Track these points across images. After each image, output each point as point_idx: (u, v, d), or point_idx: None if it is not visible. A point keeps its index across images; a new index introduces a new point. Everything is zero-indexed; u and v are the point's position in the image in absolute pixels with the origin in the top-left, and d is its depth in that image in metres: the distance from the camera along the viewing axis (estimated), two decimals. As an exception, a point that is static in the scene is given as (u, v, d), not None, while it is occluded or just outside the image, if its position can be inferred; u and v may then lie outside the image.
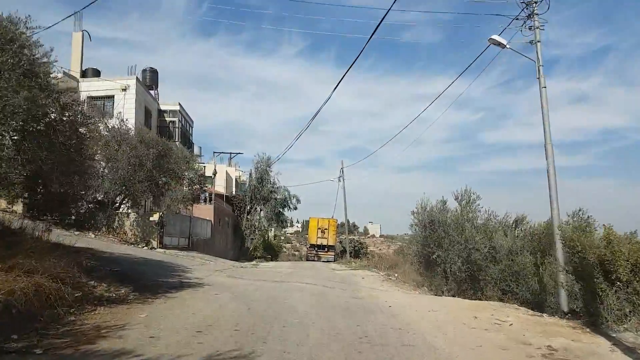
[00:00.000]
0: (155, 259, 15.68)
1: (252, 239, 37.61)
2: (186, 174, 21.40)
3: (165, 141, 21.82)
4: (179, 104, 31.60)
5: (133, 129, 21.69)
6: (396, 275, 19.55)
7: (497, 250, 14.18)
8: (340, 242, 50.90)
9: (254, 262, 32.61)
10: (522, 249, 13.38)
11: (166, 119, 31.29)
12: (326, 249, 43.15)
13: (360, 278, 18.29)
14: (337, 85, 20.75)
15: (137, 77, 27.37)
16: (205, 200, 30.15)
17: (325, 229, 43.68)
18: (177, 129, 31.15)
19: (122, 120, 21.02)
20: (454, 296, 14.32)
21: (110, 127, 19.74)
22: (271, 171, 38.23)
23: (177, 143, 30.92)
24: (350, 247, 44.64)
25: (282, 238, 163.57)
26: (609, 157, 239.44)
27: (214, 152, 58.06)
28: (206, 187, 44.28)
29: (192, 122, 35.56)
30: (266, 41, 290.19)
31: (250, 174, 38.99)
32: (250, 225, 37.48)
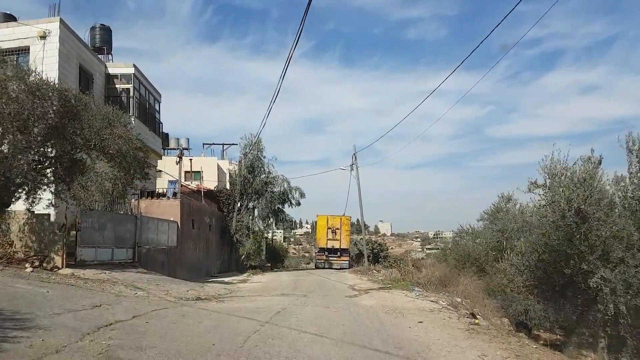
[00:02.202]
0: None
1: (243, 244, 29.36)
2: (113, 143, 13.06)
3: (80, 95, 13.67)
4: (134, 67, 23.40)
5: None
6: (477, 313, 10.32)
7: None
8: (355, 243, 42.50)
9: (243, 277, 24.35)
10: None
11: (117, 86, 23.15)
12: (338, 254, 34.86)
13: (417, 325, 9.07)
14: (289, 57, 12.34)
15: (61, 20, 19.15)
16: (175, 195, 21.89)
17: (337, 228, 35.39)
18: (132, 100, 22.97)
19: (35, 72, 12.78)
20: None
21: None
22: (264, 157, 30.02)
23: (131, 119, 22.77)
24: (368, 250, 36.24)
25: (292, 240, 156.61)
26: (620, 147, 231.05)
27: (204, 144, 49.96)
28: (194, 183, 36.29)
29: (160, 96, 27.39)
30: (270, 43, 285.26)
31: (240, 162, 30.71)
32: (241, 227, 29.26)
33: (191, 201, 22.43)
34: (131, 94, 23.16)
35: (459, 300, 12.68)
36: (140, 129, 23.60)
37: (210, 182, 35.73)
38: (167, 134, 47.59)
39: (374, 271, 28.58)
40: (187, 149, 48.02)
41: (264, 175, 29.61)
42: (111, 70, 23.30)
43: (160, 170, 33.98)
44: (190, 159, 44.52)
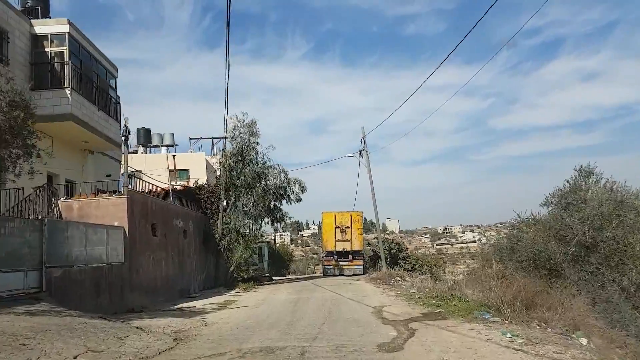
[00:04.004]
0: None
1: (233, 252, 23.37)
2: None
3: None
4: (69, 24, 17.38)
5: None
6: None
7: None
8: (368, 244, 36.46)
9: (228, 296, 18.41)
10: None
11: (47, 49, 17.22)
12: (350, 257, 28.91)
13: None
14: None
15: None
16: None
17: (347, 227, 29.43)
18: (67, 67, 17.00)
19: None
20: None
21: None
22: (257, 143, 23.99)
23: (67, 92, 16.97)
24: (385, 251, 30.14)
25: (299, 242, 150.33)
26: (626, 133, 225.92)
27: (191, 138, 43.84)
28: (180, 182, 30.27)
29: (116, 70, 21.44)
30: (270, 47, 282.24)
31: (223, 150, 24.66)
32: (229, 230, 23.27)
33: (149, 199, 16.47)
34: (66, 59, 17.21)
35: (594, 345, 6.66)
36: (84, 108, 17.71)
37: (197, 180, 29.80)
38: (149, 130, 41.99)
39: (397, 278, 22.54)
40: (172, 145, 42.40)
41: (258, 167, 23.54)
42: (38, 30, 17.36)
43: (139, 171, 28.14)
44: (174, 156, 38.66)
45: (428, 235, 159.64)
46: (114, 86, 21.32)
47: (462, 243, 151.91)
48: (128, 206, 14.44)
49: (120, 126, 21.52)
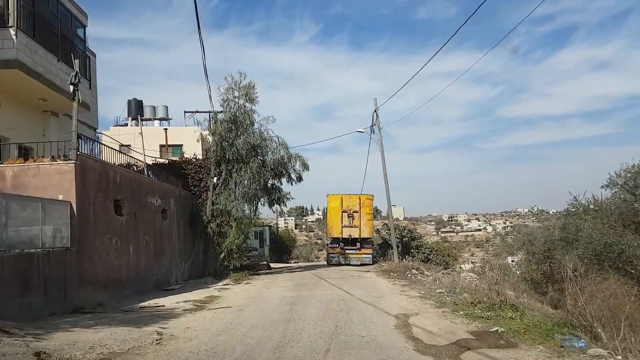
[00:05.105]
0: None
1: (224, 236, 20.15)
2: None
3: None
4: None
5: None
6: None
7: None
8: (377, 230, 33.14)
9: (213, 290, 15.24)
10: None
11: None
12: (358, 245, 25.63)
13: None
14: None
15: None
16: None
17: (355, 211, 26.10)
18: (11, 1, 13.54)
19: None
20: None
21: None
22: (254, 111, 20.54)
23: (11, 32, 13.60)
24: (397, 238, 26.83)
25: (304, 227, 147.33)
26: (637, 123, 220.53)
27: (185, 112, 40.34)
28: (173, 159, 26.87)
29: (85, 18, 17.94)
30: (278, 30, 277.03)
31: (213, 118, 21.20)
32: (219, 212, 20.01)
33: (110, 168, 13.14)
34: (7, -10, 13.73)
35: None
36: (37, 56, 14.29)
37: (192, 155, 26.47)
38: (140, 102, 38.45)
39: (414, 271, 19.28)
40: (165, 119, 38.97)
41: (253, 137, 20.11)
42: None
43: (128, 146, 24.89)
44: (165, 129, 35.32)
45: (433, 223, 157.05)
46: (82, 37, 17.86)
47: (467, 231, 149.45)
48: (77, 175, 11.13)
49: (90, 84, 18.16)
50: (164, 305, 11.58)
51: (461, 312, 9.13)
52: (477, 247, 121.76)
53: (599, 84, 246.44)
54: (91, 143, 14.74)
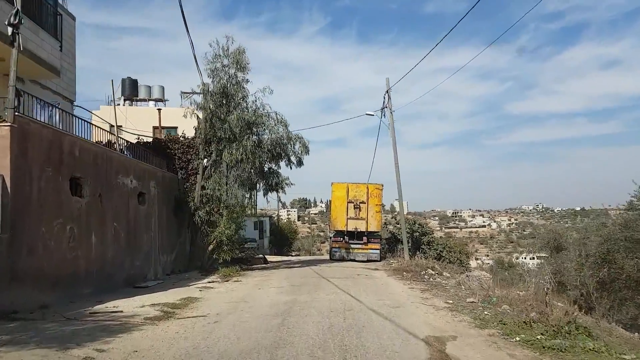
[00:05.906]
0: None
1: (214, 225, 17.64)
2: None
3: None
4: None
5: None
6: None
7: None
8: (386, 224, 30.53)
9: (194, 289, 12.75)
10: None
11: None
12: (365, 239, 23.09)
13: None
14: None
15: None
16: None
17: (362, 202, 23.53)
18: None
19: None
20: None
21: None
22: (247, 81, 17.92)
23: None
24: (407, 234, 24.25)
25: (306, 219, 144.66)
26: None
27: (182, 92, 37.52)
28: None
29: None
30: (285, 22, 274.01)
31: (204, 91, 18.56)
32: (208, 198, 17.51)
33: (65, 137, 10.57)
34: None
35: None
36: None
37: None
38: (135, 80, 35.77)
39: (430, 271, 16.72)
40: (161, 100, 36.36)
41: (247, 112, 17.54)
42: None
43: (120, 126, 22.36)
44: (159, 109, 32.65)
45: (437, 218, 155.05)
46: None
47: (471, 227, 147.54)
48: (14, 142, 8.60)
49: (62, 47, 15.53)
50: (122, 311, 9.06)
51: (517, 338, 6.57)
52: (481, 244, 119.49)
53: (607, 82, 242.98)
54: (50, 109, 12.20)
